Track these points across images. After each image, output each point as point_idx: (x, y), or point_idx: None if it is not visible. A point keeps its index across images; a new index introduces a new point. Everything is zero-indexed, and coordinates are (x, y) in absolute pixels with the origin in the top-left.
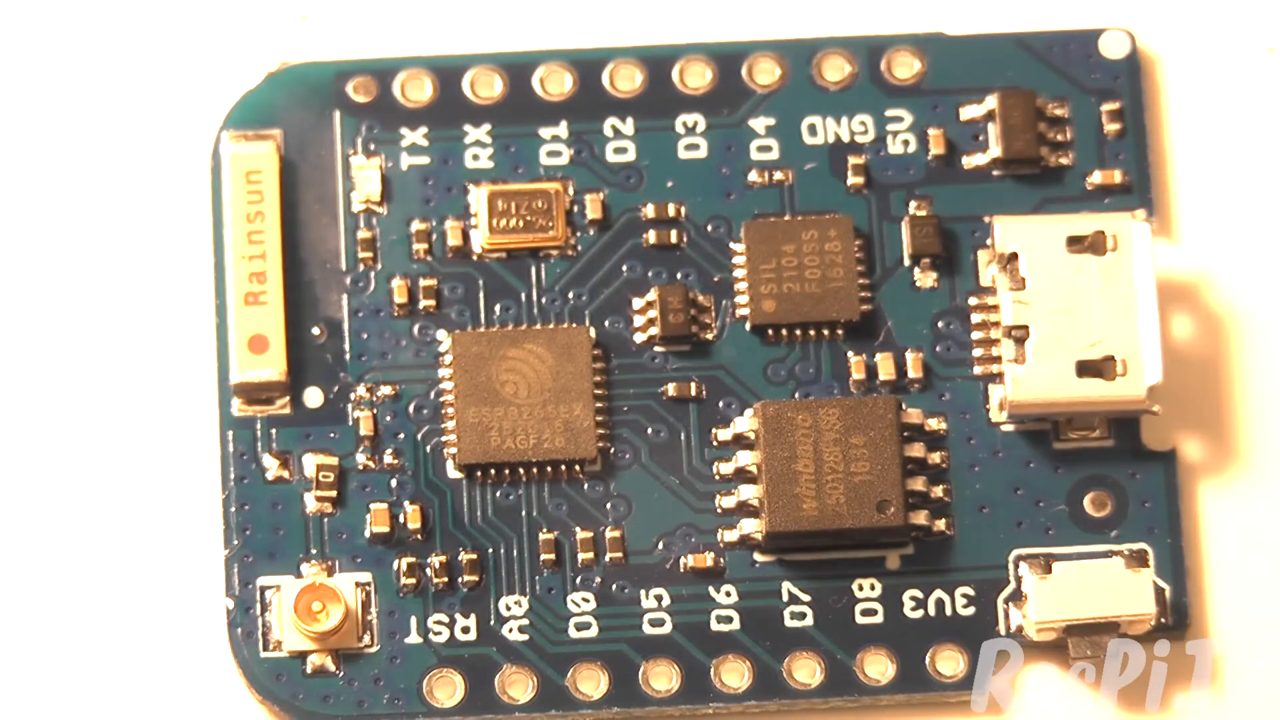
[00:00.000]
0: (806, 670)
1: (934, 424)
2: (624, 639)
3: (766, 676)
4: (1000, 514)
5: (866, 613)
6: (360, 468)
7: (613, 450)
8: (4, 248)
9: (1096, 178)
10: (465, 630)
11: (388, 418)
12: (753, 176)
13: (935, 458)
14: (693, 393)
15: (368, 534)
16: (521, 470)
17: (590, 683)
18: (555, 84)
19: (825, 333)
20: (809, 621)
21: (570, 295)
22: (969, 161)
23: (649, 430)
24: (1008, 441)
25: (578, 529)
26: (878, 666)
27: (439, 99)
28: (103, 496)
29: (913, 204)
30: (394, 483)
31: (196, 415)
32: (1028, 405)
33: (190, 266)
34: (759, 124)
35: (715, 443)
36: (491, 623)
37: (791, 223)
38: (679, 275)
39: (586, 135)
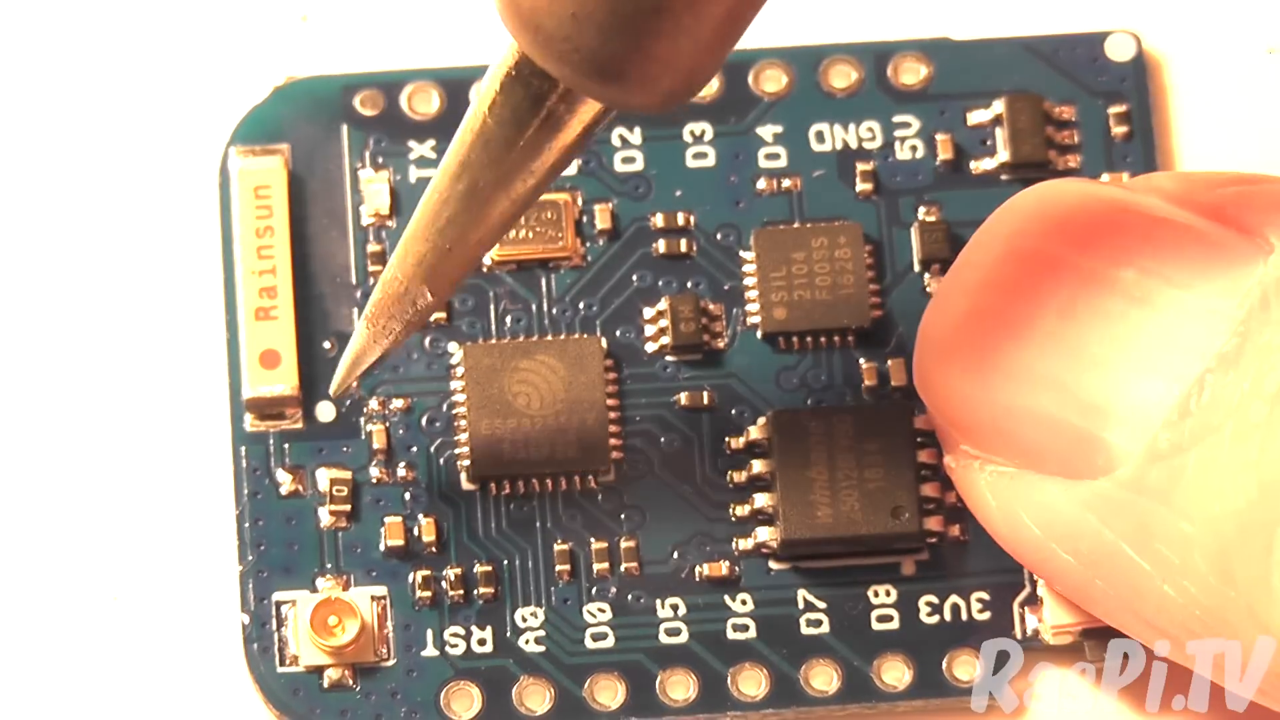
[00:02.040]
0: (823, 677)
1: None
2: (640, 649)
3: (784, 684)
4: None
5: (882, 619)
6: (374, 481)
7: (626, 460)
8: (15, 265)
9: (1105, 180)
10: (482, 642)
11: (400, 431)
12: (761, 184)
13: None
14: (705, 402)
15: (382, 547)
16: (535, 482)
17: (608, 693)
18: None
19: (836, 339)
20: (825, 629)
21: (581, 306)
22: (977, 166)
23: (662, 440)
24: None
25: (592, 540)
26: (894, 672)
27: (446, 111)
28: (117, 514)
29: (922, 209)
30: (407, 496)
31: (208, 431)
32: None
33: (200, 282)
34: (767, 131)
35: (728, 451)
36: (508, 634)
37: (801, 230)
38: (689, 284)
39: (594, 145)
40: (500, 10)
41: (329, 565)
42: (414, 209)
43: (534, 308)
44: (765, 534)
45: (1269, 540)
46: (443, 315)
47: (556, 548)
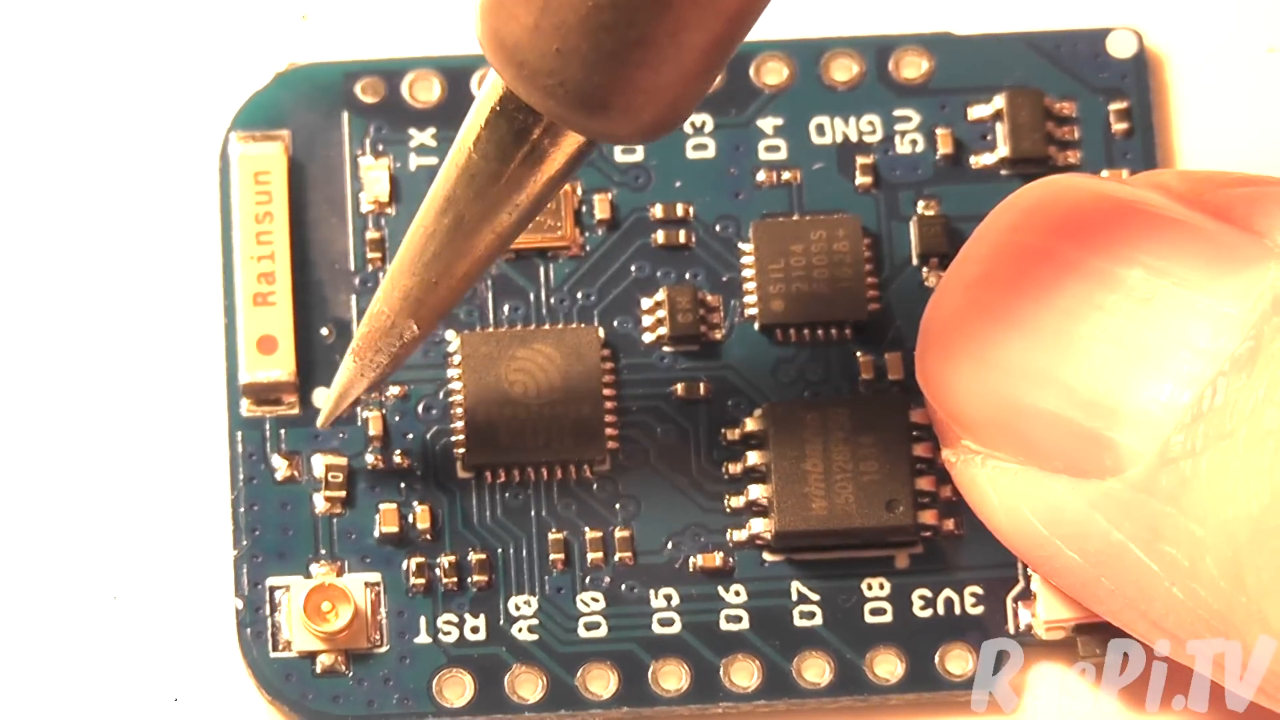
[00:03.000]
0: (816, 670)
1: None
2: (633, 638)
3: (776, 676)
4: None
5: (876, 612)
6: (369, 468)
7: (621, 450)
8: (14, 250)
9: (1104, 176)
10: (475, 630)
11: (396, 418)
12: (761, 176)
13: None
14: (701, 393)
15: (377, 534)
16: (530, 470)
17: (600, 682)
18: None
19: (834, 332)
20: (818, 621)
21: (579, 295)
22: (977, 161)
23: (658, 430)
24: None
25: (587, 529)
26: (887, 666)
27: (447, 99)
28: (112, 498)
29: (921, 203)
30: (403, 483)
31: (205, 416)
32: None
33: (199, 267)
34: (767, 124)
35: (724, 442)
36: (501, 623)
37: (800, 222)
38: (687, 275)
39: None
40: (484, 46)
41: (323, 551)
42: (414, 197)
43: (532, 297)
44: (760, 525)
45: None
46: None
47: (551, 537)
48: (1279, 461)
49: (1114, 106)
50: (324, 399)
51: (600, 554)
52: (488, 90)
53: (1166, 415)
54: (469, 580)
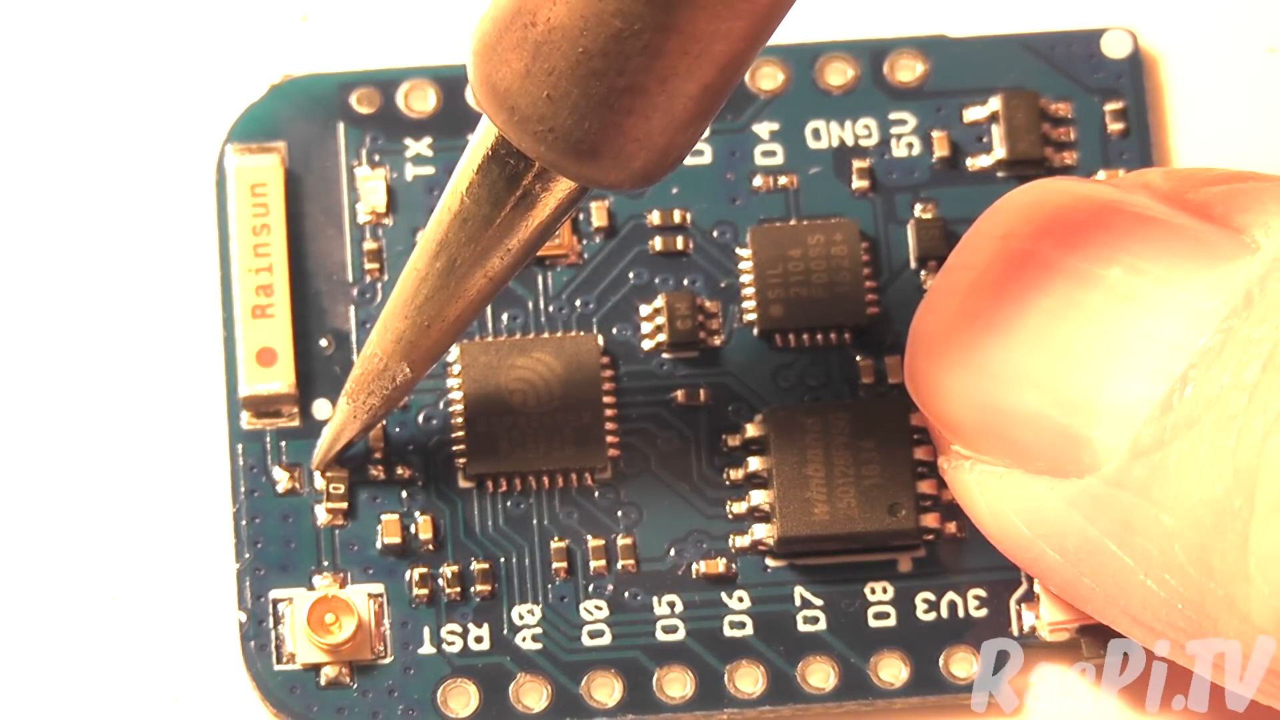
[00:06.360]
0: (820, 674)
1: None
2: (637, 646)
3: (780, 681)
4: None
5: (879, 616)
6: (370, 479)
7: (622, 458)
8: (11, 264)
9: (1100, 177)
10: (479, 640)
11: (397, 429)
12: (757, 181)
13: None
14: (701, 399)
15: (379, 545)
16: (532, 479)
17: (604, 690)
18: None
19: (833, 336)
20: (822, 626)
21: (577, 303)
22: (973, 163)
23: (658, 437)
24: None
25: (589, 537)
26: (891, 669)
27: (443, 109)
28: (113, 513)
29: (918, 206)
30: (404, 494)
31: (205, 429)
32: None
33: (197, 280)
34: (763, 129)
35: (725, 448)
36: (505, 632)
37: (797, 227)
38: (685, 282)
39: None
40: (476, 91)
41: (326, 563)
42: (410, 207)
43: (531, 305)
44: (762, 531)
45: (1244, 528)
46: None
47: (553, 545)
48: (1242, 443)
49: (1109, 107)
50: (318, 442)
51: (603, 562)
52: (480, 135)
53: (1139, 410)
54: (472, 590)
